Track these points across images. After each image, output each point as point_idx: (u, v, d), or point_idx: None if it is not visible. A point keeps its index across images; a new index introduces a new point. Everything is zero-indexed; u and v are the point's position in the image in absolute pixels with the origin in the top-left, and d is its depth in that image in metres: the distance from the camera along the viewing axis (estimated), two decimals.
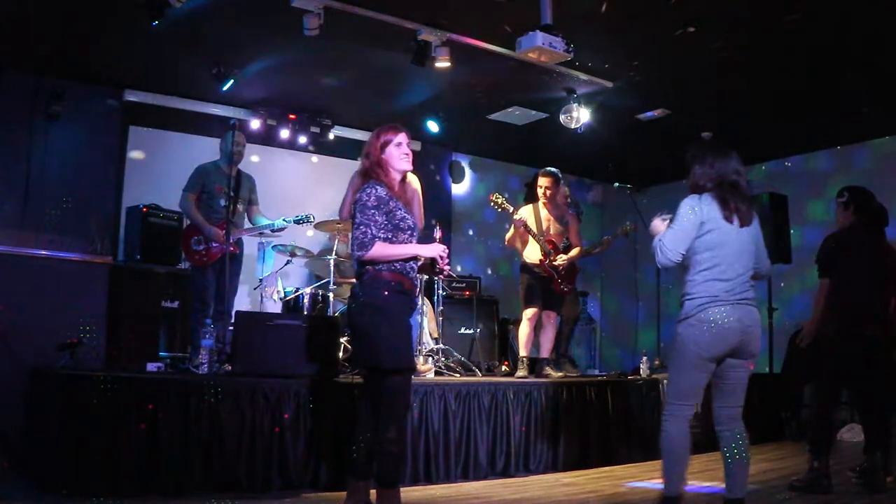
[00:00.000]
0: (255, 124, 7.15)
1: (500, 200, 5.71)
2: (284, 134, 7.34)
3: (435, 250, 3.42)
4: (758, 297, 3.24)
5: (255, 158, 7.02)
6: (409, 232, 3.37)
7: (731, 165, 3.24)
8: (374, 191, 3.28)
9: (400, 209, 3.34)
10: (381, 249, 3.24)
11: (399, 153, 3.40)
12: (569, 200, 6.77)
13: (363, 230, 3.22)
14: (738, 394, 3.19)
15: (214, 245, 5.23)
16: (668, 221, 3.26)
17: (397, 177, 3.42)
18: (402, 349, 3.29)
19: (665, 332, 7.56)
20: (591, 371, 7.75)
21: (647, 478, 4.77)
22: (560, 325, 6.70)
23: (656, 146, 8.12)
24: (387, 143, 3.40)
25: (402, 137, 3.42)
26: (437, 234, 3.86)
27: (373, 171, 3.37)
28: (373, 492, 3.31)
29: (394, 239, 3.31)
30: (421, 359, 5.29)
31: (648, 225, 3.41)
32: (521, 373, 5.72)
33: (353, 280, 3.53)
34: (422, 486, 4.29)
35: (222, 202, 5.25)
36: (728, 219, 3.14)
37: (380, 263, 3.27)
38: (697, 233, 3.13)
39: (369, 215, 3.23)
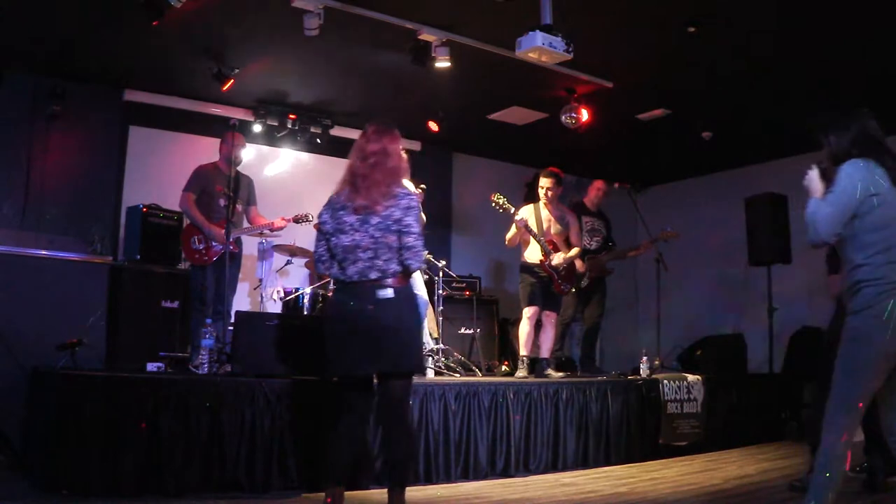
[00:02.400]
0: (255, 124, 7.15)
1: (500, 201, 5.70)
2: (284, 134, 7.34)
3: None
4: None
5: (254, 158, 7.02)
6: None
7: (870, 122, 2.86)
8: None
9: None
10: None
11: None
12: (602, 202, 6.98)
13: (421, 241, 3.23)
14: None
15: (214, 244, 5.23)
16: (825, 174, 2.84)
17: None
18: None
19: (665, 332, 7.56)
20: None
21: (647, 478, 4.77)
22: (585, 328, 6.75)
23: (656, 146, 8.12)
24: None
25: None
26: None
27: (400, 177, 3.37)
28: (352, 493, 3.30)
29: None
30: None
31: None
32: (521, 373, 5.73)
33: (375, 280, 3.21)
34: (422, 486, 4.29)
35: (222, 202, 5.26)
36: (894, 185, 2.72)
37: None
38: (865, 207, 2.71)
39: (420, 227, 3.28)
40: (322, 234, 3.32)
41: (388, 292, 3.17)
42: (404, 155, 3.49)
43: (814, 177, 2.89)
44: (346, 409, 3.35)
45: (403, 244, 3.18)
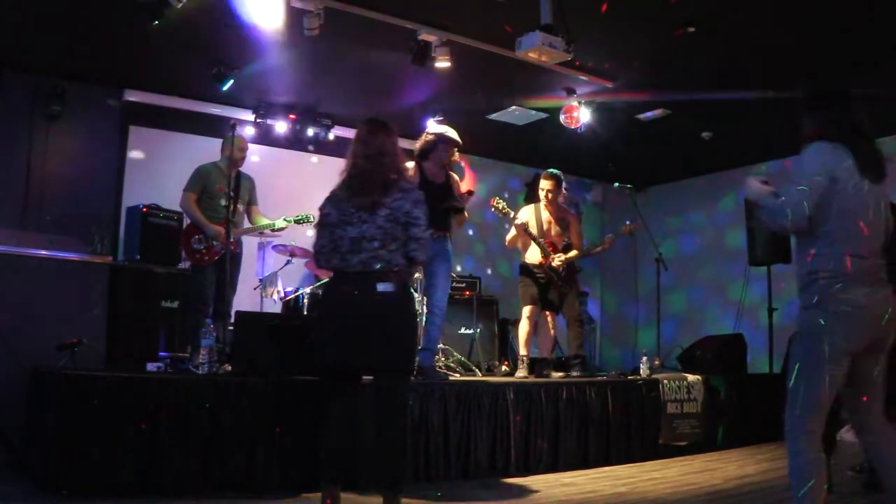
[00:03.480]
0: (255, 124, 7.15)
1: (500, 206, 5.70)
2: (284, 134, 7.34)
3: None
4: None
5: (255, 158, 7.01)
6: None
7: (851, 107, 2.76)
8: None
9: None
10: None
11: None
12: (566, 200, 6.85)
13: (428, 234, 3.23)
14: (878, 391, 2.70)
15: (215, 244, 5.24)
16: (767, 183, 2.75)
17: None
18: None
19: (665, 332, 7.56)
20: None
21: (647, 478, 4.77)
22: (572, 330, 6.73)
23: (656, 146, 8.13)
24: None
25: None
26: None
27: (404, 172, 3.38)
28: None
29: None
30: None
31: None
32: (521, 373, 5.73)
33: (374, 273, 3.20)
34: (421, 486, 4.29)
35: (223, 202, 5.26)
36: (862, 174, 2.59)
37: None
38: (826, 192, 2.56)
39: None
40: (325, 227, 3.32)
41: (389, 286, 3.17)
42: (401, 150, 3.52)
43: (755, 183, 2.79)
44: (335, 404, 3.34)
45: (411, 235, 3.19)
